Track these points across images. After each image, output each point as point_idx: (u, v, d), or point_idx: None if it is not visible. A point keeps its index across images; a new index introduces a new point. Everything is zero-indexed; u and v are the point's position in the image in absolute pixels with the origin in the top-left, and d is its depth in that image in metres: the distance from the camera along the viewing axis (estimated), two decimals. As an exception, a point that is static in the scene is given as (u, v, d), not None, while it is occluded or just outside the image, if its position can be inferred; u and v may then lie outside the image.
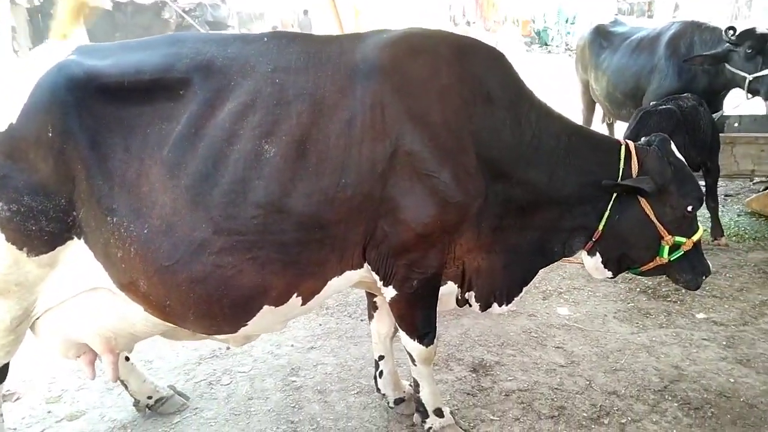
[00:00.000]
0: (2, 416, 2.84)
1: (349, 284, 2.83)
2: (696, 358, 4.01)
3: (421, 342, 2.97)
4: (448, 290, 3.00)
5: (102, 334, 2.54)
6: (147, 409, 3.47)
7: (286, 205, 2.38)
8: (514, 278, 3.03)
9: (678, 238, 2.95)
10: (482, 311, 3.06)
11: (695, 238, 3.01)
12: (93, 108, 2.30)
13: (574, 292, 5.14)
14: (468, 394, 3.66)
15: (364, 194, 2.48)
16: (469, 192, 2.61)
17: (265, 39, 2.58)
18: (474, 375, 3.86)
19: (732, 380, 3.75)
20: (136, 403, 3.46)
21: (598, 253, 3.03)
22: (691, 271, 3.09)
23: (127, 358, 3.34)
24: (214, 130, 2.35)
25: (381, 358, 3.47)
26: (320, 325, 4.60)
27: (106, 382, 3.57)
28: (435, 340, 3.03)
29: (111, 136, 2.30)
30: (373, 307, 3.39)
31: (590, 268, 3.14)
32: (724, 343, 4.20)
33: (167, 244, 2.32)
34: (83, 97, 2.28)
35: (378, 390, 3.54)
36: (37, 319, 2.50)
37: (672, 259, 2.99)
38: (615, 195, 2.89)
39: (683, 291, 5.03)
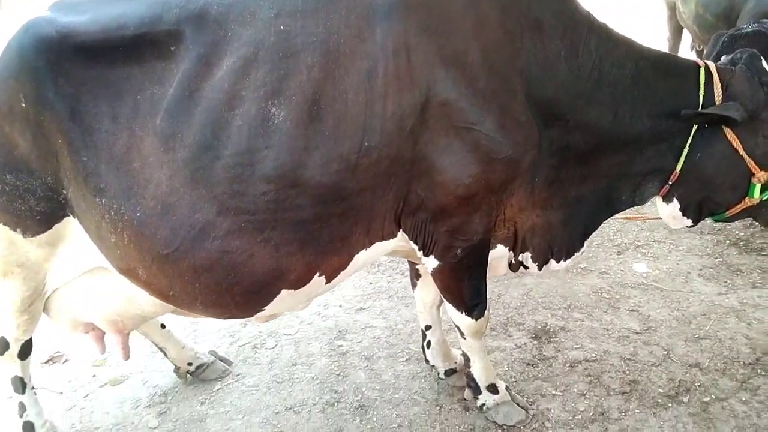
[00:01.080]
0: (34, 389, 2.77)
1: (381, 255, 2.52)
2: (796, 326, 3.50)
3: (469, 315, 2.65)
4: (499, 254, 2.64)
5: (107, 317, 2.37)
6: (188, 376, 3.35)
7: (301, 177, 2.07)
8: (574, 233, 2.65)
9: None
10: (539, 270, 2.70)
11: None
12: (71, 72, 2.03)
13: (654, 245, 4.63)
14: (528, 364, 3.33)
15: (392, 157, 2.13)
16: (519, 144, 2.21)
17: None
18: (536, 342, 3.51)
19: (839, 354, 3.23)
20: (177, 370, 3.34)
21: (675, 199, 2.58)
22: None
23: (163, 326, 3.21)
24: (212, 91, 2.04)
25: (428, 327, 3.18)
26: (371, 284, 4.34)
27: (151, 344, 3.47)
28: (486, 312, 2.70)
29: (95, 103, 2.04)
30: (416, 274, 3.08)
31: (666, 217, 2.69)
32: (831, 307, 3.64)
33: (165, 228, 2.06)
34: (57, 60, 2.01)
35: (426, 361, 3.26)
36: (47, 298, 2.34)
37: (764, 198, 2.51)
38: (695, 128, 2.41)
39: (781, 244, 4.45)
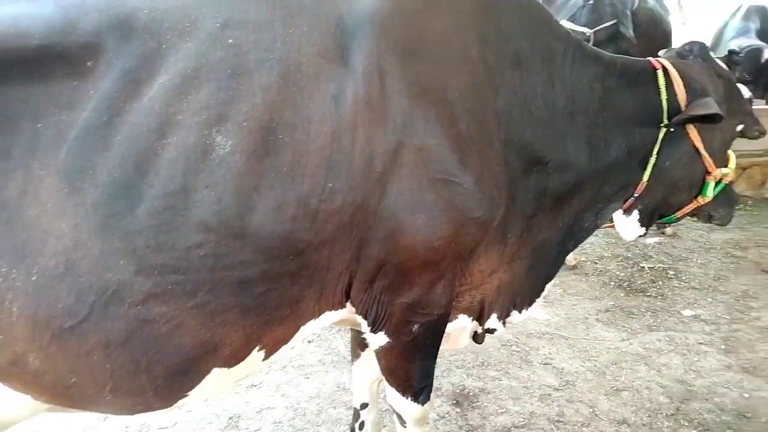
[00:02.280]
0: None
1: (324, 326, 2.04)
2: (699, 369, 3.53)
3: (415, 400, 2.23)
4: (460, 325, 2.26)
5: None
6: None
7: (249, 226, 1.57)
8: (538, 279, 2.36)
9: (723, 170, 2.36)
10: (504, 328, 2.37)
11: (733, 164, 2.43)
12: None
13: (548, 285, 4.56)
14: (456, 437, 2.98)
15: (357, 205, 1.69)
16: (495, 201, 1.88)
17: None
18: (458, 410, 3.18)
19: (746, 395, 3.28)
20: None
21: (636, 210, 2.39)
22: (727, 203, 2.53)
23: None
24: (139, 116, 1.49)
25: (364, 406, 2.71)
26: (260, 353, 3.75)
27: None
28: (431, 395, 2.30)
29: None
30: (360, 344, 2.61)
31: (623, 229, 2.46)
32: (723, 347, 3.75)
33: (68, 293, 1.46)
34: None
35: (355, 445, 2.78)
36: None
37: (714, 196, 2.41)
38: (663, 133, 2.23)
39: (659, 283, 4.63)
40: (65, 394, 1.63)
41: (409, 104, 1.70)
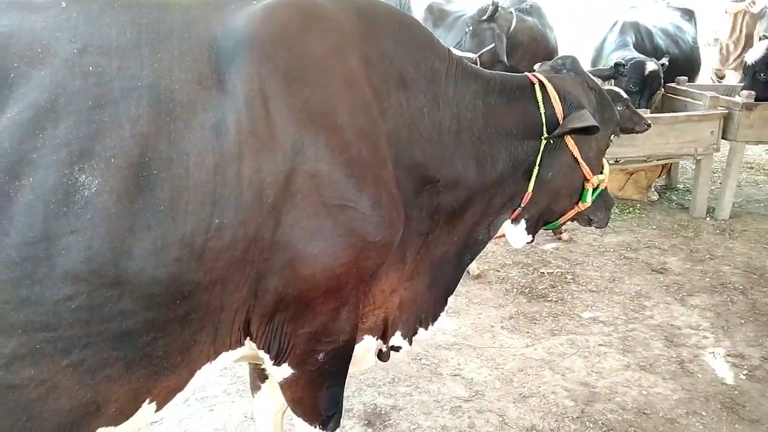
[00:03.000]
0: None
1: (222, 367, 1.91)
2: (601, 370, 3.66)
3: (324, 428, 2.14)
4: (365, 346, 2.20)
5: None
6: None
7: (126, 271, 1.41)
8: (440, 294, 2.36)
9: (599, 176, 2.47)
10: (410, 346, 2.36)
11: (607, 170, 2.56)
12: None
13: (451, 299, 4.59)
14: (369, 460, 2.91)
15: (250, 239, 1.58)
16: (394, 223, 1.84)
17: (63, 4, 1.54)
18: (370, 430, 3.11)
19: (644, 393, 3.43)
20: None
21: (523, 219, 2.45)
22: (603, 207, 2.66)
23: None
24: None
25: (269, 441, 2.58)
26: (158, 386, 3.52)
27: None
28: (341, 420, 2.22)
29: None
30: (260, 376, 2.47)
31: (512, 237, 2.52)
32: (621, 347, 3.91)
33: None
34: None
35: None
36: None
37: (593, 201, 2.52)
38: (543, 145, 2.29)
39: (559, 287, 4.78)
40: None
41: (297, 130, 1.62)
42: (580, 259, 5.34)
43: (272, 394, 2.48)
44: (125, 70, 1.46)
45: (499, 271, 5.09)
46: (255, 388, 2.52)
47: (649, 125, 4.51)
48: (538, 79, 2.33)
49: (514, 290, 4.74)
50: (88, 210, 1.37)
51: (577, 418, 3.22)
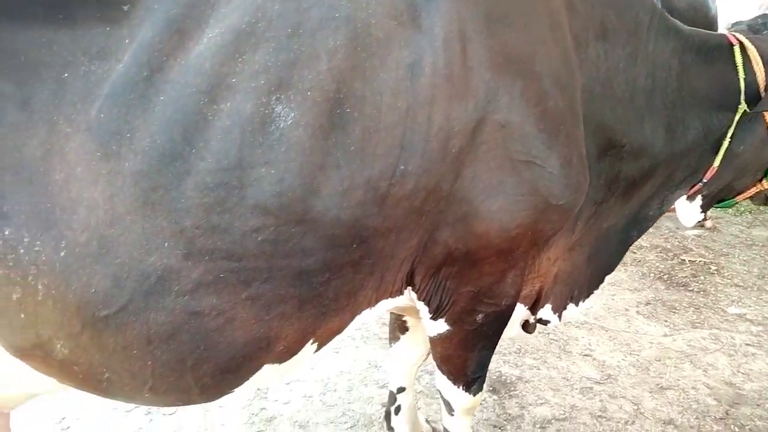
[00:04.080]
0: None
1: (379, 314, 1.89)
2: (748, 372, 3.36)
3: (467, 390, 2.08)
4: (515, 314, 2.11)
5: None
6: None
7: (313, 210, 1.38)
8: (598, 269, 2.20)
9: None
10: (559, 321, 2.23)
11: None
12: None
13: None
14: (494, 426, 2.84)
15: (430, 189, 1.50)
16: (580, 187, 1.70)
17: None
18: (496, 397, 3.04)
19: (800, 403, 3.12)
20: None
21: (700, 196, 2.22)
22: None
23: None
24: (185, 74, 1.28)
25: (401, 390, 2.57)
26: (289, 323, 3.63)
27: None
28: (484, 385, 2.16)
29: None
30: (400, 327, 2.46)
31: (684, 214, 2.29)
32: (773, 350, 3.58)
33: (103, 277, 1.27)
34: None
35: (390, 429, 2.64)
36: None
37: None
38: (739, 115, 2.04)
39: (701, 277, 4.44)
40: (96, 387, 1.46)
41: (492, 76, 1.49)
42: (725, 250, 4.92)
43: (411, 346, 2.45)
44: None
45: (635, 252, 4.80)
46: (394, 338, 2.51)
47: None
48: (738, 40, 2.07)
49: (652, 275, 4.45)
50: (282, 143, 1.33)
51: (721, 419, 2.98)
